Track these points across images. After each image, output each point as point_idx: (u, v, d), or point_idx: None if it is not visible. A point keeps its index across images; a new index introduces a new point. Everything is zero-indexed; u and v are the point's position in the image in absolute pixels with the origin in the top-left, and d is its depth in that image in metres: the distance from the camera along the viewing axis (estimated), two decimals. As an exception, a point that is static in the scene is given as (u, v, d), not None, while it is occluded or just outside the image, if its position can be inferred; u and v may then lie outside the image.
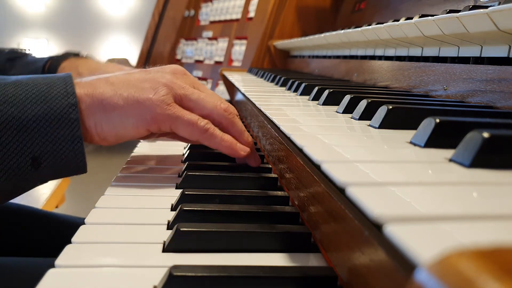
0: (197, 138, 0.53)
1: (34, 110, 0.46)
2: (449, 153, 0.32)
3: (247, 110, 0.83)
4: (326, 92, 0.67)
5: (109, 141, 0.51)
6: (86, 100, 0.48)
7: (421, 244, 0.18)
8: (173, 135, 0.59)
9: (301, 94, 0.79)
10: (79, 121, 0.47)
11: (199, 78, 2.39)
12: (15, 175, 0.45)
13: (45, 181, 0.49)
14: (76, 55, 0.87)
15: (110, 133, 0.50)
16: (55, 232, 0.76)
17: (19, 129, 0.45)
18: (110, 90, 0.49)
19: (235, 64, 2.00)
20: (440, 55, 0.69)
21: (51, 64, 0.84)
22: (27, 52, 0.91)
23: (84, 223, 0.41)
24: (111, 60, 8.06)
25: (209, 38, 2.41)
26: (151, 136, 0.60)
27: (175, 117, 0.51)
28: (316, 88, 0.72)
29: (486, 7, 0.47)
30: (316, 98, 0.70)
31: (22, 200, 1.36)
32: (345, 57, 1.13)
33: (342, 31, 0.96)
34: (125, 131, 0.51)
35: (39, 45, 7.68)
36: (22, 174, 0.46)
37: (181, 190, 0.49)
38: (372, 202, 0.23)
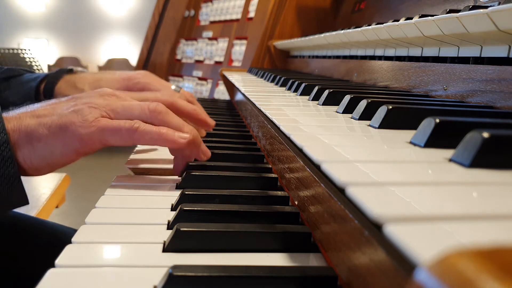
0: (131, 141, 0.51)
1: None
2: (449, 153, 0.32)
3: (247, 110, 0.83)
4: (326, 92, 0.67)
5: (43, 172, 0.51)
6: (13, 135, 0.47)
7: (421, 244, 0.18)
8: None
9: (301, 94, 0.79)
10: (13, 159, 0.46)
11: (199, 78, 2.39)
12: None
13: None
14: (70, 71, 0.84)
15: (41, 164, 0.49)
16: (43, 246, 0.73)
17: None
18: (35, 122, 0.49)
19: (235, 64, 2.00)
20: (440, 55, 0.69)
21: (47, 83, 0.81)
22: (23, 70, 0.88)
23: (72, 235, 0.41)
24: (111, 61, 8.06)
25: (209, 38, 2.41)
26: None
27: (100, 130, 0.50)
28: (316, 88, 0.72)
29: (486, 7, 0.47)
30: (316, 98, 0.70)
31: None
32: (345, 57, 1.13)
33: (342, 31, 0.96)
34: (55, 160, 0.50)
35: (39, 45, 7.67)
36: None
37: (181, 190, 0.49)
38: (372, 202, 0.23)
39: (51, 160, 0.49)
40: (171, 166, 0.65)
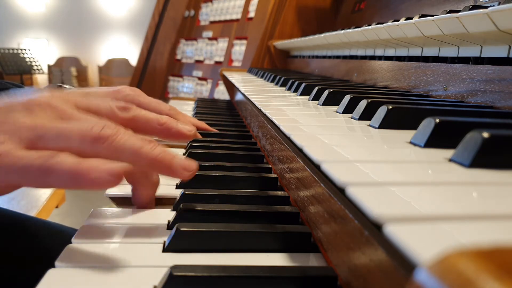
0: (39, 184, 0.36)
1: None
2: (449, 153, 0.32)
3: (247, 110, 0.83)
4: (326, 92, 0.67)
5: None
6: None
7: (421, 244, 0.18)
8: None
9: (301, 94, 0.79)
10: None
11: (199, 78, 2.39)
12: None
13: None
14: (59, 87, 0.74)
15: None
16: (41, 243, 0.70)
17: None
18: None
19: (235, 64, 2.00)
20: (440, 55, 0.69)
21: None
22: (10, 84, 0.74)
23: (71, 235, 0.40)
24: (111, 61, 8.06)
25: (209, 38, 2.41)
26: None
27: (6, 169, 0.35)
28: (316, 88, 0.72)
29: (486, 7, 0.47)
30: (316, 98, 0.70)
31: (22, 199, 1.36)
32: (345, 57, 1.13)
33: (342, 31, 0.96)
34: None
35: (39, 45, 7.68)
36: None
37: (181, 190, 0.49)
38: (372, 202, 0.23)
39: None
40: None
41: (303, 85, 0.80)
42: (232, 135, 0.82)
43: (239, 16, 2.15)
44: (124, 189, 0.54)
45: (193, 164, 0.41)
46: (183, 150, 0.75)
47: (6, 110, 0.38)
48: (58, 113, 0.39)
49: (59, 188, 0.39)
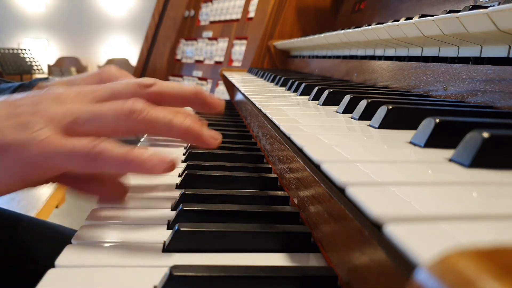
0: (94, 169, 0.39)
1: None
2: (449, 153, 0.32)
3: (247, 110, 0.83)
4: (326, 92, 0.67)
5: None
6: None
7: (421, 244, 0.18)
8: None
9: (301, 94, 0.79)
10: None
11: (199, 78, 2.39)
12: None
13: None
14: (45, 79, 0.71)
15: None
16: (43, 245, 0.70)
17: None
18: None
19: (235, 64, 2.00)
20: (440, 55, 0.69)
21: (21, 91, 0.67)
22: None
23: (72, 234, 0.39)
24: (111, 61, 8.06)
25: (209, 38, 2.41)
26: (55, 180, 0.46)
27: (48, 155, 0.37)
28: (316, 88, 0.72)
29: (486, 7, 0.47)
30: (316, 98, 0.70)
31: (22, 200, 1.36)
32: (345, 57, 1.13)
33: (342, 31, 0.96)
34: (2, 185, 0.39)
35: (39, 45, 7.67)
36: None
37: (181, 190, 0.49)
38: (372, 202, 0.23)
39: None
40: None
41: (303, 85, 0.80)
42: (232, 135, 0.82)
43: (239, 16, 2.15)
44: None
45: (218, 134, 0.45)
46: (183, 150, 0.75)
47: (37, 101, 0.41)
48: (87, 98, 0.42)
49: (106, 171, 0.41)
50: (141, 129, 0.41)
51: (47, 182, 0.43)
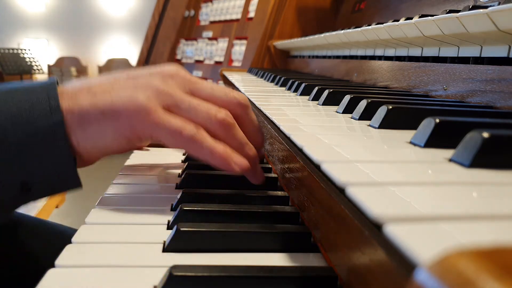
0: (183, 147, 0.46)
1: (17, 133, 0.41)
2: (449, 153, 0.32)
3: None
4: (326, 92, 0.67)
5: (94, 158, 0.47)
6: (67, 116, 0.43)
7: (421, 244, 0.18)
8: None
9: (301, 94, 0.79)
10: (67, 140, 0.43)
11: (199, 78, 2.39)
12: (4, 202, 0.42)
13: (35, 200, 0.45)
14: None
15: (92, 150, 0.45)
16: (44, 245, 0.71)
17: (3, 154, 0.41)
18: (88, 102, 0.44)
19: (235, 64, 2.00)
20: (440, 55, 0.69)
21: None
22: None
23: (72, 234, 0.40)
24: (111, 61, 8.06)
25: (209, 38, 2.41)
26: (140, 144, 0.53)
27: (155, 125, 0.44)
28: (316, 88, 0.72)
29: (486, 7, 0.47)
30: (316, 98, 0.70)
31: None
32: (345, 57, 1.13)
33: (342, 31, 0.96)
34: (106, 146, 0.45)
35: (39, 45, 7.67)
36: (11, 200, 0.43)
37: (181, 190, 0.49)
38: (372, 202, 0.23)
39: (102, 146, 0.45)
40: (171, 166, 0.65)
41: (303, 85, 0.80)
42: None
43: (239, 16, 2.15)
44: (123, 189, 0.54)
45: (263, 176, 0.50)
46: (183, 150, 0.75)
47: (145, 74, 0.47)
48: (185, 83, 0.48)
49: (190, 153, 0.46)
50: (222, 138, 0.46)
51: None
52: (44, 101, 0.43)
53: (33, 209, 1.30)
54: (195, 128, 0.45)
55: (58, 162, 0.43)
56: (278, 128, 0.48)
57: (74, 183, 0.46)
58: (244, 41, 1.97)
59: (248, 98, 0.75)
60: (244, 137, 0.49)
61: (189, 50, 2.63)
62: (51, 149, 0.42)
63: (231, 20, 2.23)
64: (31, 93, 0.43)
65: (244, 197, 0.48)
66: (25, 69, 6.71)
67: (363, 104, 0.52)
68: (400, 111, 0.46)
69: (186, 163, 0.61)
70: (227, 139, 0.47)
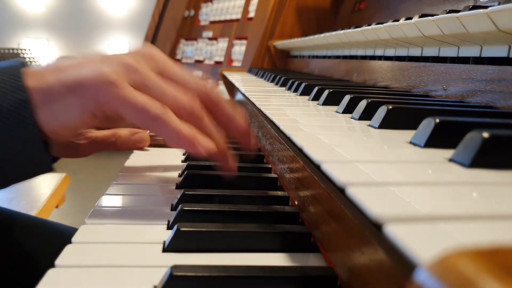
0: (147, 126, 0.44)
1: None
2: (449, 153, 0.32)
3: (247, 110, 0.83)
4: (326, 92, 0.67)
5: (63, 136, 0.45)
6: (33, 94, 0.42)
7: (421, 244, 0.18)
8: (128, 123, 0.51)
9: (301, 94, 0.79)
10: (33, 119, 0.41)
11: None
12: None
13: (5, 186, 0.44)
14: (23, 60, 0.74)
15: (59, 129, 0.43)
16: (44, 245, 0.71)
17: None
18: (54, 78, 0.42)
19: (235, 64, 2.00)
20: (440, 55, 0.69)
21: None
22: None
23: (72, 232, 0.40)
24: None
25: (209, 38, 2.41)
26: (106, 123, 0.51)
27: (120, 100, 0.42)
28: (316, 88, 0.72)
29: (486, 7, 0.47)
30: (316, 98, 0.70)
31: (22, 199, 1.36)
32: (345, 57, 1.13)
33: (342, 31, 0.96)
34: (72, 122, 0.43)
35: (39, 45, 7.68)
36: None
37: (181, 190, 0.49)
38: (372, 202, 0.23)
39: (68, 123, 0.43)
40: (171, 166, 0.65)
41: (303, 85, 0.80)
42: (232, 135, 0.82)
43: (239, 16, 2.15)
44: (123, 189, 0.54)
45: (235, 168, 0.49)
46: (183, 150, 0.75)
47: (116, 55, 0.46)
48: (160, 67, 0.47)
49: (155, 133, 0.45)
50: (187, 122, 0.44)
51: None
52: (8, 80, 0.42)
53: (33, 209, 1.30)
54: (162, 107, 0.43)
55: (26, 142, 0.42)
56: (278, 128, 0.48)
57: (45, 166, 0.44)
58: (244, 41, 1.97)
59: (248, 98, 0.75)
60: (211, 130, 0.47)
61: (189, 50, 2.63)
62: (18, 128, 0.41)
63: (231, 20, 2.23)
64: None
65: (244, 197, 0.48)
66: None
67: (363, 104, 0.52)
68: (400, 111, 0.46)
69: (186, 163, 0.61)
70: (195, 126, 0.45)
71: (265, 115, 0.57)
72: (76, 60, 0.45)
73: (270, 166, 0.61)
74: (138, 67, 0.44)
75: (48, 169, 0.45)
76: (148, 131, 0.68)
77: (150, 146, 0.78)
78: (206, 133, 0.46)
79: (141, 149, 0.73)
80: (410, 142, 0.38)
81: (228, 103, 0.51)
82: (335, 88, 0.69)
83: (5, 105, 0.41)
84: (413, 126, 0.40)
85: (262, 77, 1.28)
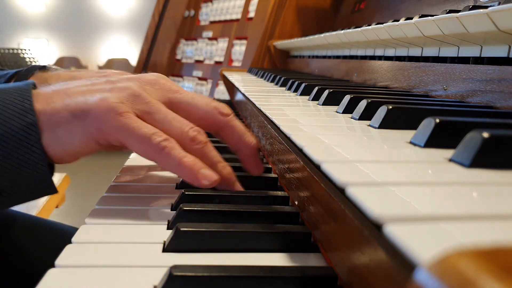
0: (150, 156, 0.44)
1: None
2: (449, 153, 0.32)
3: (247, 110, 0.83)
4: (326, 92, 0.67)
5: (66, 160, 0.45)
6: (40, 117, 0.42)
7: (421, 244, 0.18)
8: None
9: (301, 94, 0.79)
10: (39, 142, 0.42)
11: (199, 78, 2.39)
12: None
13: (9, 207, 0.45)
14: (43, 68, 0.73)
15: (63, 153, 0.44)
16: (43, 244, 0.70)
17: None
18: (62, 103, 0.43)
19: (235, 64, 2.00)
20: (440, 55, 0.69)
21: (16, 80, 0.70)
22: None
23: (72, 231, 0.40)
24: (111, 61, 8.06)
25: (209, 38, 2.41)
26: (111, 149, 0.52)
27: (123, 128, 0.42)
28: (316, 88, 0.72)
29: (486, 7, 0.47)
30: (316, 98, 0.70)
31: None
32: (345, 57, 1.13)
33: (342, 31, 0.96)
34: (75, 149, 0.44)
35: (39, 45, 7.67)
36: None
37: (181, 190, 0.49)
38: (372, 202, 0.23)
39: (71, 149, 0.44)
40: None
41: (303, 85, 0.80)
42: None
43: (239, 16, 2.15)
44: (123, 189, 0.54)
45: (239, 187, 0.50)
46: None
47: (122, 79, 0.47)
48: (166, 95, 0.48)
49: (158, 165, 0.46)
50: (194, 154, 0.45)
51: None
52: (18, 102, 0.42)
53: (33, 208, 1.30)
54: (166, 138, 0.43)
55: (31, 165, 0.42)
56: (278, 128, 0.48)
57: (49, 189, 0.45)
58: (244, 41, 1.97)
59: (248, 98, 0.75)
60: (217, 155, 0.47)
61: (189, 50, 2.63)
62: (24, 151, 0.41)
63: (231, 20, 2.23)
64: (5, 94, 0.43)
65: (244, 197, 0.48)
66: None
67: (363, 104, 0.52)
68: (400, 111, 0.46)
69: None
70: (198, 155, 0.45)
71: (265, 115, 0.57)
72: (85, 84, 0.46)
73: (270, 166, 0.61)
74: (144, 95, 0.45)
75: (54, 191, 0.45)
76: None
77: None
78: (211, 161, 0.46)
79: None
80: (410, 142, 0.38)
81: (240, 122, 0.52)
82: (335, 88, 0.69)
83: (14, 128, 0.41)
84: (413, 126, 0.40)
85: (262, 77, 1.28)
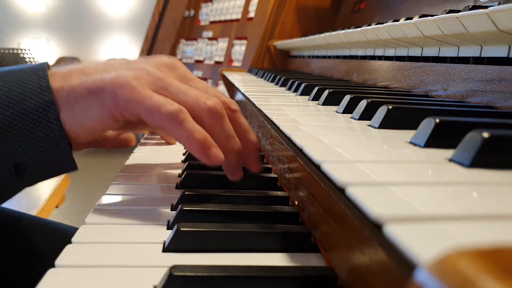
0: (163, 126, 0.44)
1: (6, 114, 0.41)
2: (449, 153, 0.32)
3: (247, 110, 0.83)
4: (326, 92, 0.67)
5: (83, 138, 0.46)
6: (58, 95, 0.43)
7: (421, 244, 0.18)
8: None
9: (301, 94, 0.79)
10: (58, 119, 0.43)
11: (199, 78, 2.39)
12: None
13: (32, 185, 0.46)
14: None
15: (78, 129, 0.44)
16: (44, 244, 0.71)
17: None
18: (79, 81, 0.44)
19: (235, 64, 2.00)
20: (440, 55, 0.69)
21: None
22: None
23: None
24: (111, 61, 8.05)
25: (209, 38, 2.41)
26: (126, 127, 0.53)
27: (138, 100, 0.43)
28: (316, 88, 0.72)
29: (486, 7, 0.47)
30: (316, 98, 0.70)
31: (22, 199, 1.36)
32: (345, 57, 1.13)
33: (342, 31, 0.96)
34: (91, 124, 0.44)
35: (39, 45, 7.67)
36: (6, 184, 0.43)
37: (181, 190, 0.49)
38: (372, 202, 0.23)
39: (88, 124, 0.44)
40: (171, 166, 0.65)
41: (303, 85, 0.80)
42: (232, 135, 0.82)
43: (239, 16, 2.15)
44: (123, 189, 0.54)
45: (240, 175, 0.51)
46: (183, 150, 0.75)
47: (141, 60, 0.48)
48: (180, 75, 0.49)
49: (170, 135, 0.49)
50: (209, 126, 0.45)
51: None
52: (35, 81, 0.43)
53: (33, 208, 1.30)
54: (178, 107, 0.43)
55: (51, 142, 0.43)
56: (278, 128, 0.48)
57: (69, 165, 0.46)
58: (244, 41, 1.97)
59: (248, 98, 0.75)
60: (231, 129, 0.47)
61: (189, 50, 2.63)
62: (43, 128, 0.42)
63: (231, 20, 2.23)
64: (21, 74, 0.44)
65: (244, 197, 0.48)
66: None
67: (363, 104, 0.52)
68: (400, 111, 0.46)
69: (186, 163, 0.61)
70: (213, 127, 0.46)
71: (265, 115, 0.57)
72: (102, 65, 0.47)
73: (270, 166, 0.61)
74: (158, 72, 0.46)
75: (74, 167, 0.46)
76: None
77: (150, 146, 0.78)
78: (224, 136, 0.46)
79: (126, 147, 0.72)
80: (410, 142, 0.38)
81: (245, 119, 0.52)
82: (335, 88, 0.69)
83: (32, 106, 0.42)
84: (413, 126, 0.40)
85: (262, 77, 1.28)
